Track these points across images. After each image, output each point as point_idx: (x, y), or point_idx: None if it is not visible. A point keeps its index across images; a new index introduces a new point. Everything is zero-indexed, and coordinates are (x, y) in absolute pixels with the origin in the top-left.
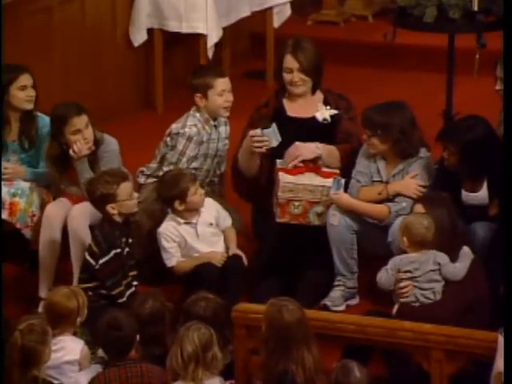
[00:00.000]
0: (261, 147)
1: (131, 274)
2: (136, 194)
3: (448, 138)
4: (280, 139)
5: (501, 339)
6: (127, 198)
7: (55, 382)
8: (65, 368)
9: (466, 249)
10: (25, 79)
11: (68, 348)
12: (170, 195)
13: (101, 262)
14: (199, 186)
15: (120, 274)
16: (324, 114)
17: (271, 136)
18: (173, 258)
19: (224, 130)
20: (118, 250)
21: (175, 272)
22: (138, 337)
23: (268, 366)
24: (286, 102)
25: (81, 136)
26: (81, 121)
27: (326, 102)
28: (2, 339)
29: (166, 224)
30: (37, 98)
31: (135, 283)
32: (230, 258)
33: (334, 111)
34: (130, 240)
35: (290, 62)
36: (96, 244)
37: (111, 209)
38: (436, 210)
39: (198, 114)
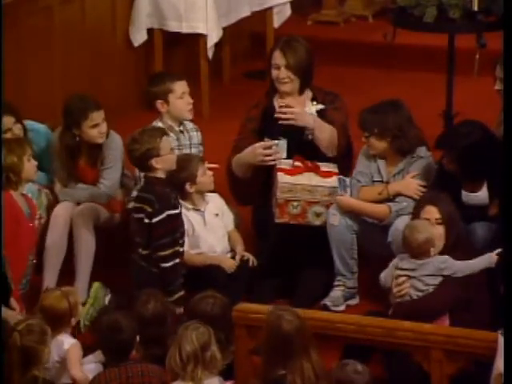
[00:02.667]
0: (270, 159)
1: (181, 241)
2: (176, 151)
3: (446, 146)
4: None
5: (501, 340)
6: (169, 152)
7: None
8: (58, 367)
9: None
10: (6, 123)
11: (61, 348)
12: (179, 178)
13: (154, 220)
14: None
15: (169, 238)
16: (311, 109)
17: (283, 148)
18: None
19: (195, 135)
20: (172, 212)
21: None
22: (138, 337)
23: (265, 374)
24: (276, 101)
25: (97, 130)
26: (100, 115)
27: (314, 99)
28: (1, 340)
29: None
30: (25, 130)
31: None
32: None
33: (321, 106)
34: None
35: (277, 58)
36: (150, 205)
37: (155, 163)
38: (446, 208)
39: (160, 123)
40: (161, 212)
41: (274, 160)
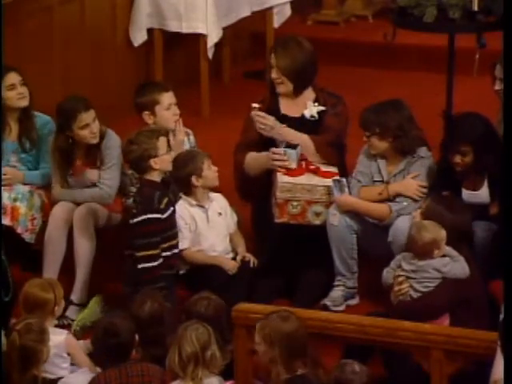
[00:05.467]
0: (279, 165)
1: (165, 245)
2: (172, 152)
3: (456, 140)
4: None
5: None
6: (166, 152)
7: (48, 375)
8: (54, 360)
9: (451, 249)
10: (11, 78)
11: (51, 341)
12: (186, 172)
13: (134, 221)
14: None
15: (145, 240)
16: (312, 110)
17: (293, 158)
18: (185, 239)
19: (186, 141)
20: (152, 216)
21: (184, 257)
22: (136, 337)
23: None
24: (281, 100)
25: (89, 130)
26: (89, 116)
27: (316, 101)
28: (1, 340)
29: (179, 205)
30: (32, 97)
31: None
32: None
33: (322, 108)
34: (173, 206)
35: (271, 58)
36: (135, 205)
37: (154, 164)
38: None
39: None
40: (140, 214)
41: (280, 166)
